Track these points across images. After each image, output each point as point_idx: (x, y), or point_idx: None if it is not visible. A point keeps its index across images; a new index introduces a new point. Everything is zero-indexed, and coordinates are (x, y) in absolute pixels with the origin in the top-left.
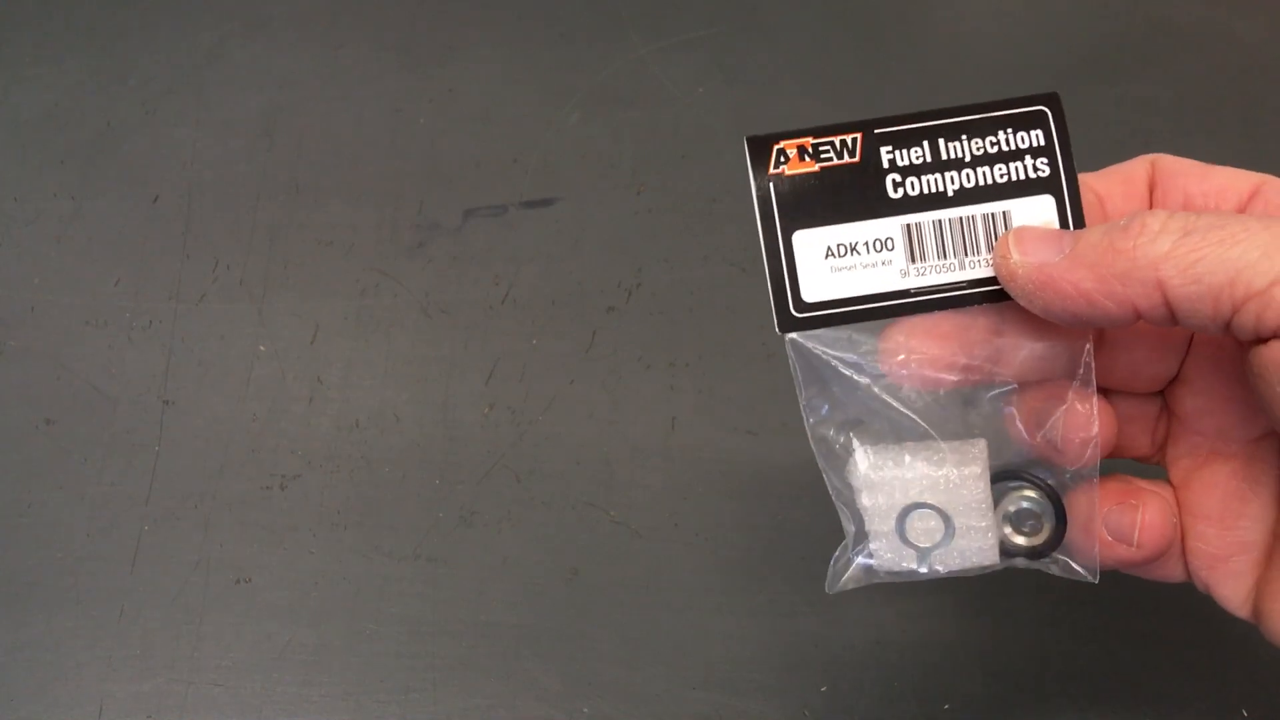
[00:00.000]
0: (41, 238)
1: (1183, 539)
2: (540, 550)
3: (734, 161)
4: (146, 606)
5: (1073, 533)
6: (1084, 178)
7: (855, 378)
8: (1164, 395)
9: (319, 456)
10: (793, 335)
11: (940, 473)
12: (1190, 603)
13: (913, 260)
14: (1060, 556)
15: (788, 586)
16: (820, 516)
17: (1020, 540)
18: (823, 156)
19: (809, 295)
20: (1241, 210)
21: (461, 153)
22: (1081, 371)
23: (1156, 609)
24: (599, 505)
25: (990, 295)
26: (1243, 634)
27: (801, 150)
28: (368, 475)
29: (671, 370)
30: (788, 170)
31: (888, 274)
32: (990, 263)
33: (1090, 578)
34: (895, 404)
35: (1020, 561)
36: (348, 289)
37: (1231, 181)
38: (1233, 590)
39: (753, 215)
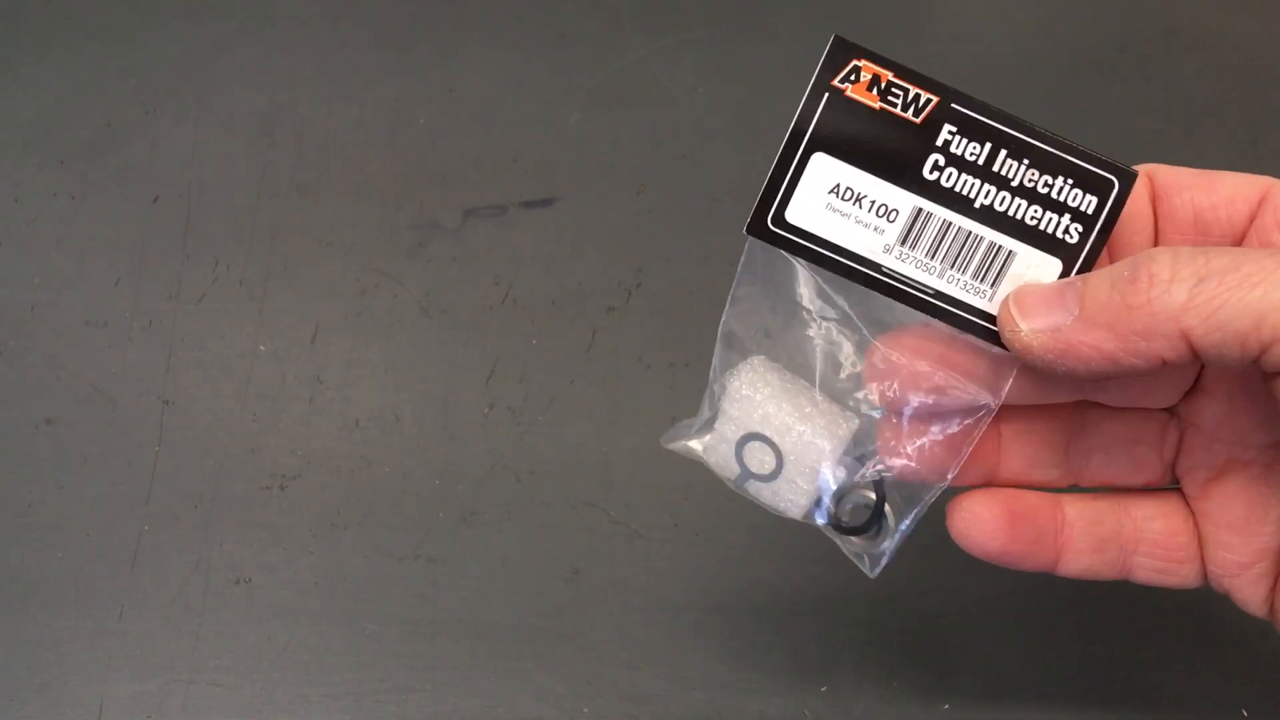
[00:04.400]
0: (41, 238)
1: (1202, 548)
2: (540, 550)
3: (734, 161)
4: (146, 606)
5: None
6: None
7: (795, 298)
8: (1177, 409)
9: (319, 456)
10: (756, 241)
11: (800, 426)
12: (1190, 603)
13: (902, 243)
14: (854, 542)
15: (788, 586)
16: None
17: (839, 511)
18: (890, 99)
19: (793, 216)
20: (1253, 218)
21: (461, 153)
22: (989, 404)
23: (1157, 609)
24: (599, 505)
25: (947, 315)
26: (1243, 634)
27: (875, 81)
28: (368, 475)
29: (671, 370)
30: (850, 91)
31: (873, 241)
32: (984, 304)
33: (868, 571)
34: (815, 342)
35: (822, 525)
36: (348, 289)
37: (1238, 189)
38: (1253, 593)
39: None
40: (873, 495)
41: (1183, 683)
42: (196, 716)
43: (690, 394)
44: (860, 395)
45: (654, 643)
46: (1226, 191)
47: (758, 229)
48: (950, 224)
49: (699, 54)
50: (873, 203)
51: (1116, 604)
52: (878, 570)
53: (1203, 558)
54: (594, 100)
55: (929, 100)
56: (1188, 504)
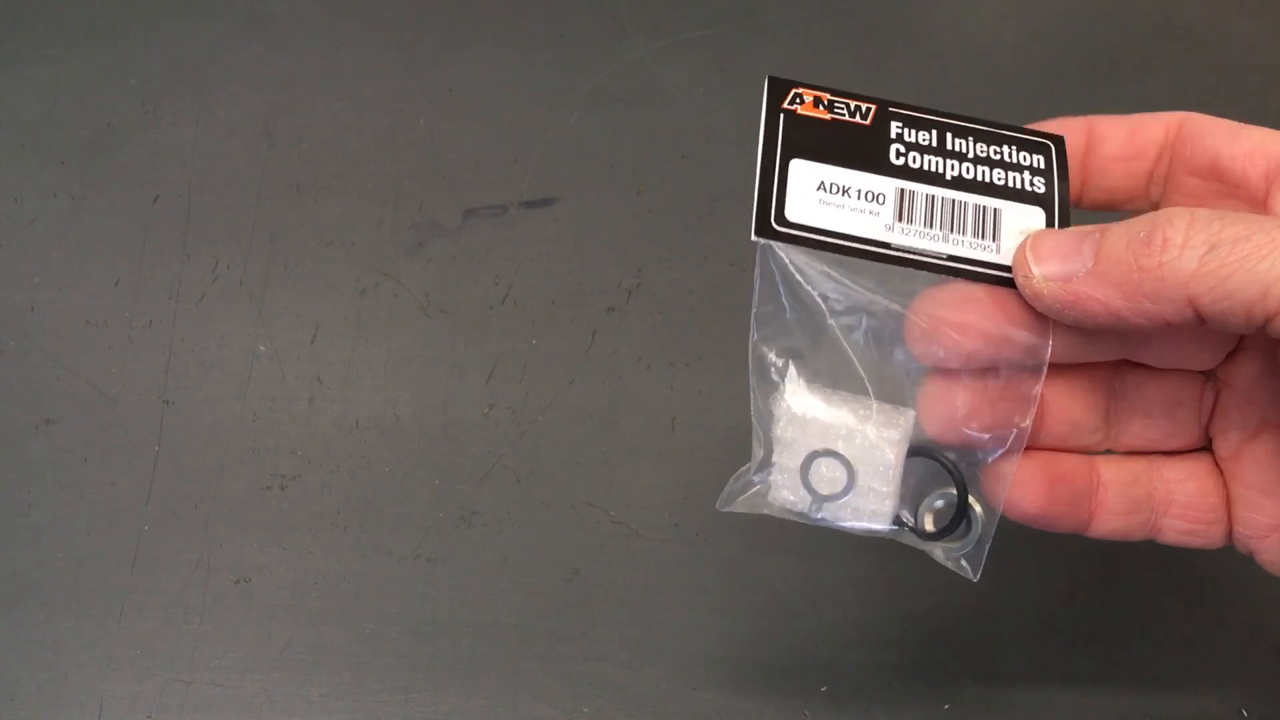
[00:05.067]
0: (41, 238)
1: (1230, 509)
2: (540, 550)
3: (734, 161)
4: (146, 606)
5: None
6: (1092, 117)
7: (816, 306)
8: (1214, 370)
9: (319, 456)
10: (767, 243)
11: (861, 427)
12: (1190, 603)
13: (899, 219)
14: (948, 546)
15: (788, 586)
16: None
17: (920, 518)
18: (836, 110)
19: (793, 215)
20: (1272, 175)
21: (461, 153)
22: (1032, 364)
23: (1156, 609)
24: (599, 505)
25: (966, 273)
26: (1243, 634)
27: (817, 99)
28: (368, 475)
29: (671, 370)
30: (800, 110)
31: (873, 223)
32: (985, 249)
33: (971, 575)
34: (845, 345)
35: (910, 538)
36: (348, 289)
37: (1262, 144)
38: (1279, 554)
39: (751, 213)
40: (951, 490)
41: (1183, 683)
42: (196, 716)
43: (690, 394)
44: (910, 379)
45: (654, 643)
46: (1250, 144)
47: (764, 230)
48: (934, 196)
49: (699, 54)
50: (859, 191)
51: (1117, 604)
52: (979, 572)
53: (1230, 519)
54: (594, 100)
55: (869, 108)
56: (1218, 466)
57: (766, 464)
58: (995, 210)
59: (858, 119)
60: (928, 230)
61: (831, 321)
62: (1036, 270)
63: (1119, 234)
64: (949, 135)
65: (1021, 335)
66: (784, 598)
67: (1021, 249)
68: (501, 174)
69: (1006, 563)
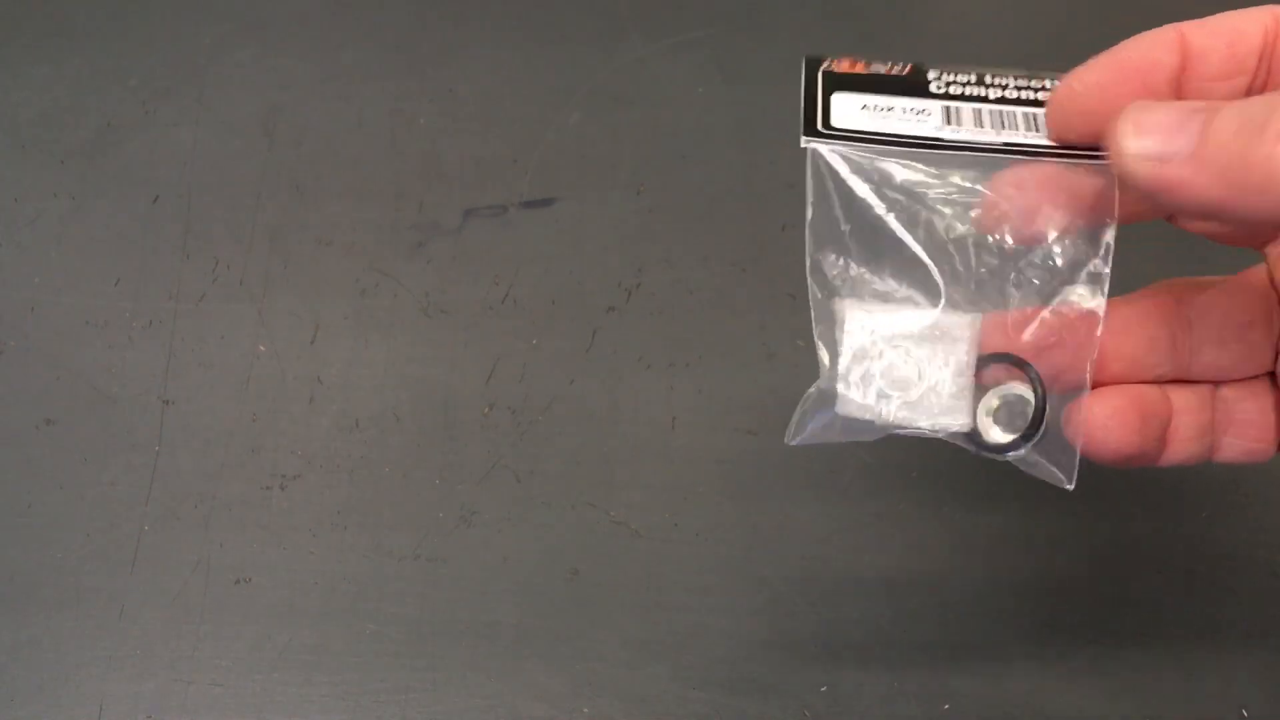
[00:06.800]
0: (41, 238)
1: None
2: (540, 550)
3: (734, 161)
4: (146, 606)
5: (1053, 433)
6: (1183, 26)
7: (875, 205)
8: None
9: (319, 456)
10: (815, 146)
11: (928, 324)
12: (1190, 603)
13: (948, 124)
14: (1034, 456)
15: (788, 586)
16: (820, 516)
17: (995, 431)
18: (873, 68)
19: (839, 123)
20: None
21: (461, 153)
22: (1093, 267)
23: (1156, 609)
24: (599, 505)
25: (1029, 155)
26: (1243, 634)
27: (853, 61)
28: (368, 475)
29: (671, 370)
30: (837, 69)
31: (921, 126)
32: (1046, 132)
33: (1066, 483)
34: (911, 241)
35: (989, 450)
36: (348, 289)
37: None
38: None
39: (751, 213)
40: (1010, 388)
41: (1183, 683)
42: (196, 716)
43: (690, 394)
44: (975, 278)
45: (654, 643)
46: None
47: (812, 132)
48: (980, 110)
49: (699, 54)
50: (904, 109)
51: (1116, 603)
52: (1074, 479)
53: None
54: (594, 100)
55: (905, 65)
56: (1274, 381)
57: (832, 378)
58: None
59: (894, 71)
60: (978, 130)
61: (892, 218)
62: (1133, 145)
63: (1230, 116)
64: (988, 76)
65: (1093, 210)
66: (784, 598)
67: (1121, 119)
68: (501, 174)
69: (1007, 562)
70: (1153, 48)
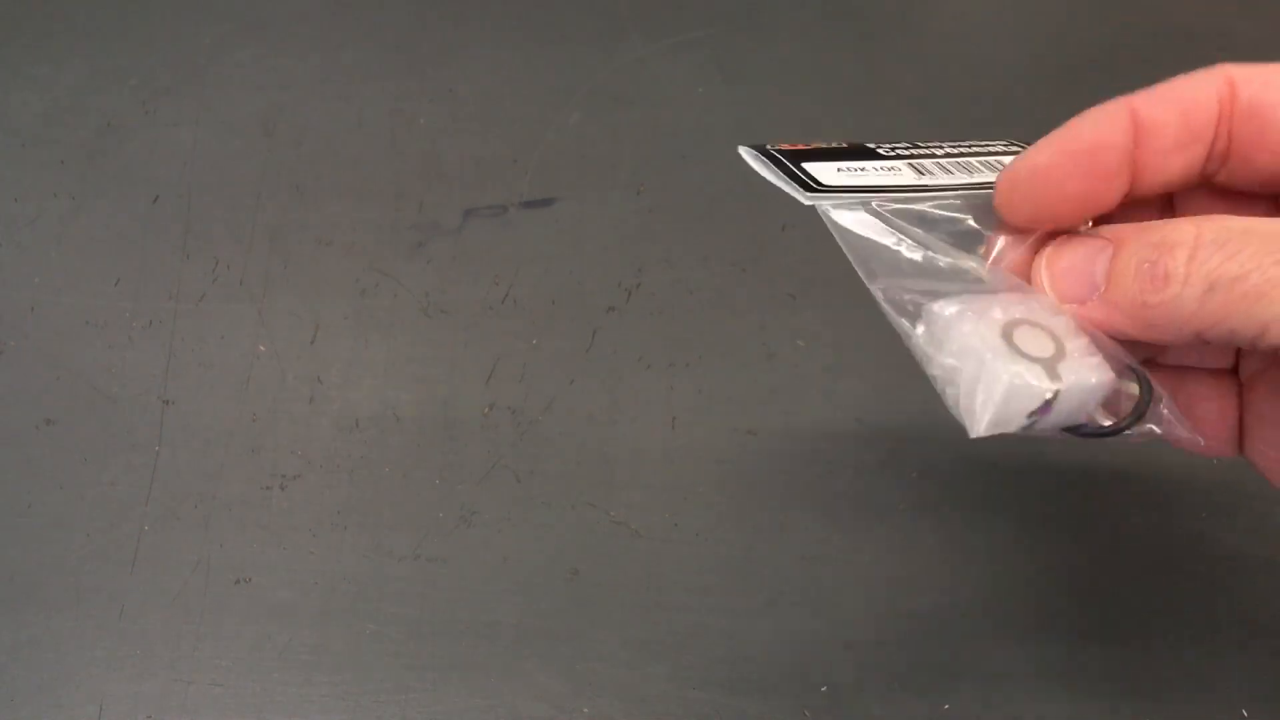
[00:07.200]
0: (41, 238)
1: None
2: (540, 550)
3: (734, 161)
4: (146, 606)
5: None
6: (1134, 100)
7: (896, 253)
8: None
9: (319, 456)
10: (819, 202)
11: (1030, 300)
12: (1190, 603)
13: (920, 175)
14: (1150, 425)
15: (788, 586)
16: (820, 517)
17: (1100, 416)
18: (814, 145)
19: (824, 181)
20: None
21: (461, 153)
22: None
23: (1157, 609)
24: (599, 505)
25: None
26: (1243, 634)
27: (793, 143)
28: (368, 475)
29: (671, 370)
30: (781, 146)
31: (901, 178)
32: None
33: (1200, 441)
34: (964, 255)
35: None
36: (348, 289)
37: None
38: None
39: (751, 213)
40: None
41: (1183, 683)
42: (196, 716)
43: (690, 394)
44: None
45: (654, 643)
46: None
47: (810, 190)
48: (942, 163)
49: (699, 54)
50: (875, 168)
51: (1116, 603)
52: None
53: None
54: (594, 100)
55: (844, 141)
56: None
57: (978, 375)
58: (998, 161)
59: (839, 144)
60: (949, 176)
61: (922, 234)
62: (1052, 292)
63: (1129, 258)
64: (919, 142)
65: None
66: (784, 598)
67: (1037, 268)
68: (501, 174)
69: (1007, 562)
70: (1102, 128)
